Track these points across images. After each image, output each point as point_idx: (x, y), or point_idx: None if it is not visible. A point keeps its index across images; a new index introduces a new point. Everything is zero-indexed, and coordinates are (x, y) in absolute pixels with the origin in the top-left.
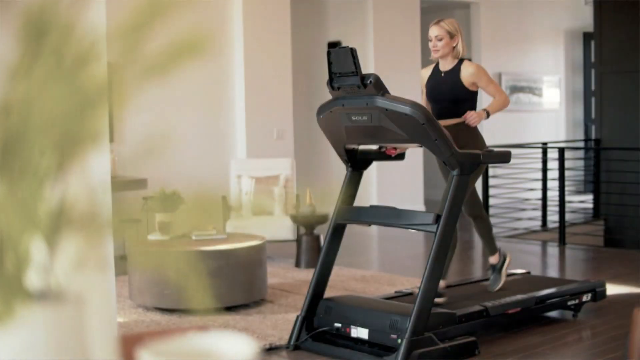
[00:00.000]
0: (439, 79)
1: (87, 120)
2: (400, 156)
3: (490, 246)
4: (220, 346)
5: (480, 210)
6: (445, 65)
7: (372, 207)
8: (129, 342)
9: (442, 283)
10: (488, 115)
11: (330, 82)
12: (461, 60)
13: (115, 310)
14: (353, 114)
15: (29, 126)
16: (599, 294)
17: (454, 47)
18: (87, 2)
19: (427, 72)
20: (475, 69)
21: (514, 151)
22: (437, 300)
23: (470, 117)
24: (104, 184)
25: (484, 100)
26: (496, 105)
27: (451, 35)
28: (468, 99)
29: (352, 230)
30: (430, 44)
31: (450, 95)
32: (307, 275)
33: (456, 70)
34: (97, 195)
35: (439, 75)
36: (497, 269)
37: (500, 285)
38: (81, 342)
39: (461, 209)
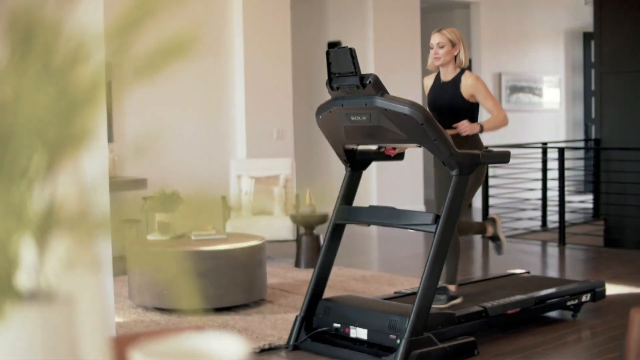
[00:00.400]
0: (440, 88)
1: (77, 120)
2: (400, 156)
3: (480, 232)
4: (213, 346)
5: None
6: (447, 75)
7: (371, 207)
8: (123, 343)
9: (453, 288)
10: (482, 129)
11: (330, 82)
12: (462, 71)
13: (111, 310)
14: (352, 114)
15: (17, 126)
16: (598, 294)
17: (455, 56)
18: (75, 2)
19: (430, 80)
20: (474, 80)
21: (513, 151)
22: (455, 302)
23: (461, 125)
24: (99, 183)
25: (483, 115)
26: (493, 122)
27: (453, 44)
28: (468, 109)
29: (352, 230)
30: (432, 52)
31: (450, 106)
32: (306, 275)
33: (457, 80)
34: (90, 195)
35: (440, 85)
36: (494, 237)
37: (504, 247)
38: (72, 343)
39: (460, 209)
